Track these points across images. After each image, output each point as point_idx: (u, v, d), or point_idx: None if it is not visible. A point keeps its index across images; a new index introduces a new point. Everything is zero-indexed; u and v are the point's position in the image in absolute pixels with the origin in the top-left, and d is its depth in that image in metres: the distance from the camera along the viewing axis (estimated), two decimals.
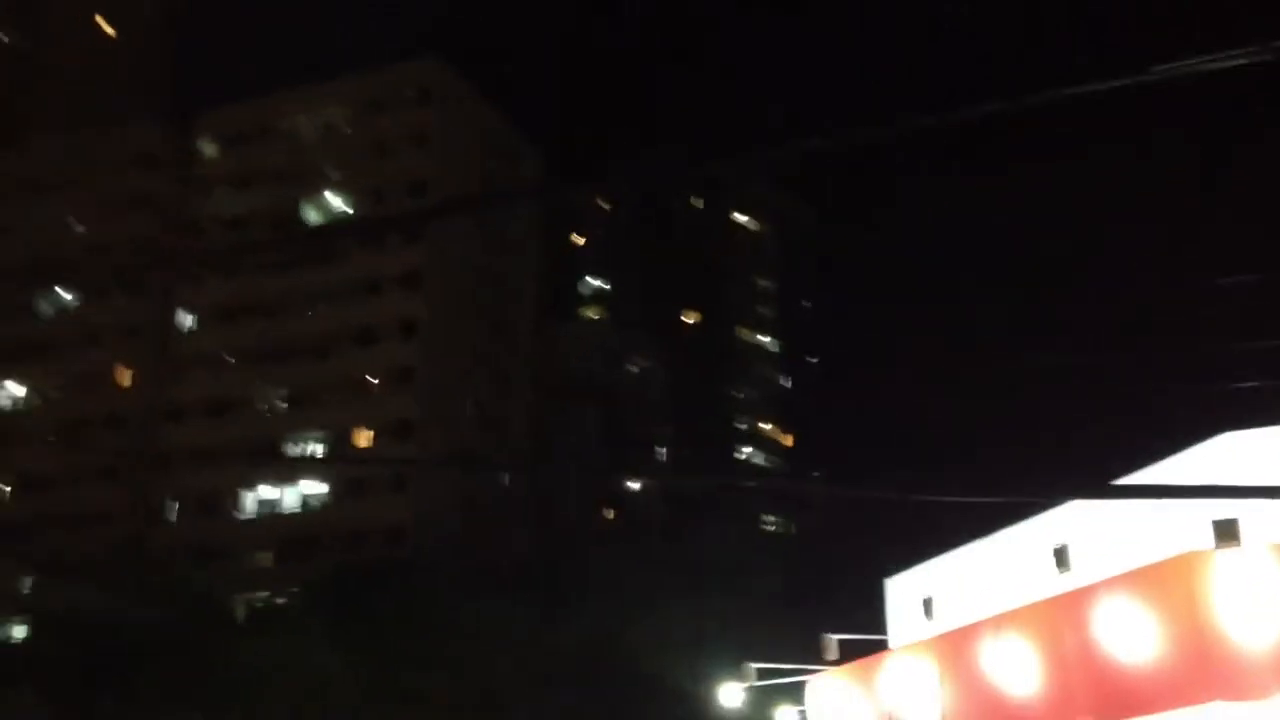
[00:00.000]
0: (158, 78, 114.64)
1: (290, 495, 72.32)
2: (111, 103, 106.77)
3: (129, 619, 43.52)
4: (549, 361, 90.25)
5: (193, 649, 40.18)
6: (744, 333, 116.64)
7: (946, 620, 14.86)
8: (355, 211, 78.55)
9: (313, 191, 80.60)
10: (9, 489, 77.33)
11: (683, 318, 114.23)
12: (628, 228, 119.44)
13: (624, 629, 43.62)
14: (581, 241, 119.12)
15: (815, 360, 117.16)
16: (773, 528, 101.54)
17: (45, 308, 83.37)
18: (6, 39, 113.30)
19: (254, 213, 78.91)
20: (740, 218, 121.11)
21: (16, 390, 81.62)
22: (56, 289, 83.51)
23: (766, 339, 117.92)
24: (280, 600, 52.26)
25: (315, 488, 72.18)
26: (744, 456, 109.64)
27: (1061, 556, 12.47)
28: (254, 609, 49.36)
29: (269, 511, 72.15)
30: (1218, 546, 10.29)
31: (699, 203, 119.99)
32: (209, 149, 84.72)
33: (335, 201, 79.76)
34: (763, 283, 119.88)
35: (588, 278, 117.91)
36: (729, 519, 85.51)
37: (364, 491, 69.60)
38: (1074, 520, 12.70)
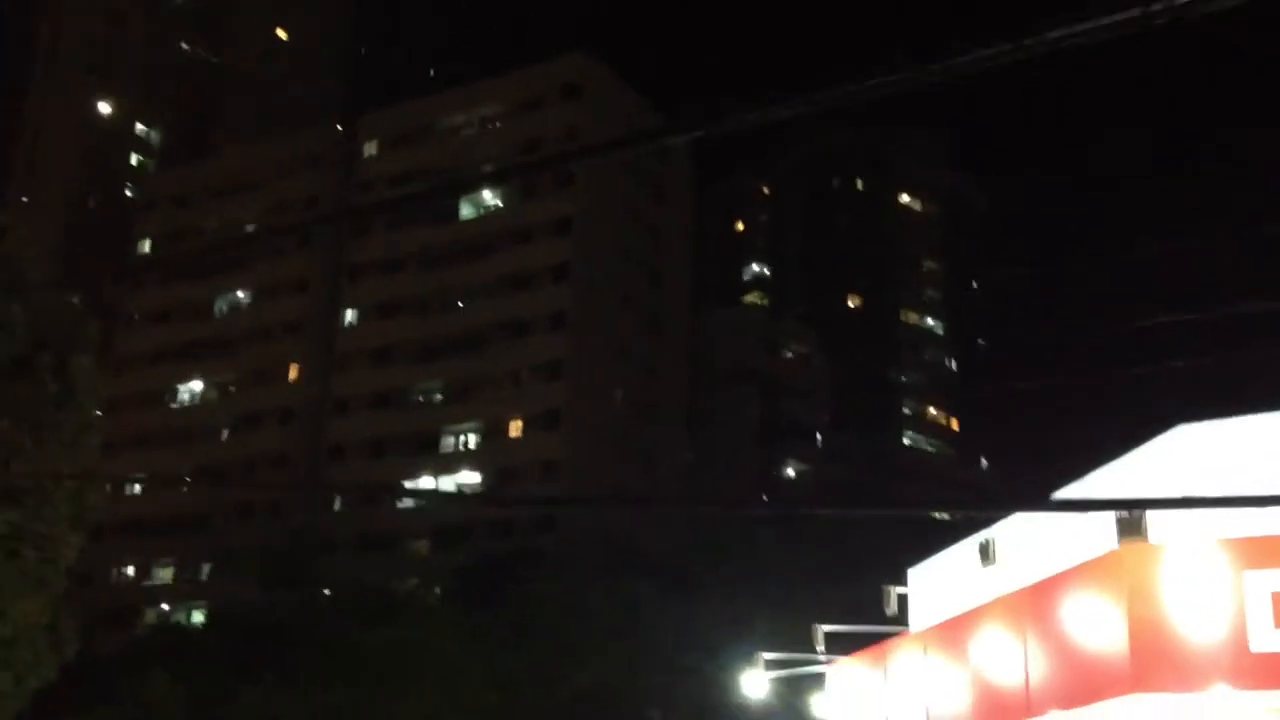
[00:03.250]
0: (329, 83, 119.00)
1: (447, 485, 74.45)
2: (288, 108, 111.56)
3: (280, 606, 45.58)
4: (706, 349, 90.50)
5: (335, 635, 41.78)
6: (909, 316, 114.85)
7: (932, 610, 14.93)
8: (507, 207, 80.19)
9: (468, 188, 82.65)
10: (188, 479, 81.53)
11: (846, 302, 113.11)
12: (789, 212, 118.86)
13: (753, 619, 43.64)
14: (741, 227, 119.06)
15: (981, 343, 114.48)
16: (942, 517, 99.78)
17: (221, 306, 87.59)
18: (189, 49, 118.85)
19: (412, 210, 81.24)
20: (905, 199, 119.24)
21: (195, 386, 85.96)
22: (232, 288, 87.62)
23: (933, 322, 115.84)
24: (423, 588, 53.88)
25: (470, 478, 74.13)
26: (909, 442, 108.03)
27: (986, 550, 12.36)
28: (400, 597, 50.96)
29: (426, 502, 74.49)
30: (1121, 541, 10.16)
31: (862, 185, 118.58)
32: (371, 149, 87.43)
33: (489, 198, 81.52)
34: (929, 264, 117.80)
35: (748, 264, 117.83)
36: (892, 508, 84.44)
37: (515, 480, 71.16)
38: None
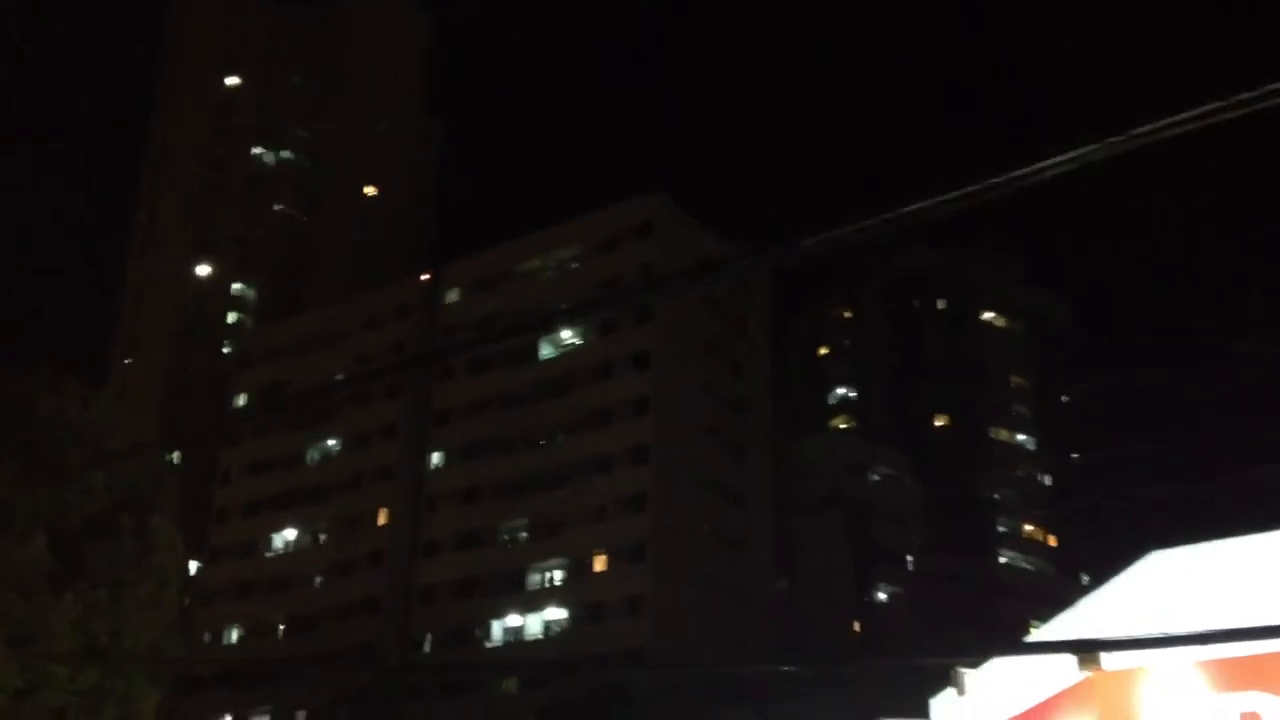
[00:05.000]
0: (414, 234, 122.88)
1: (534, 623, 74.78)
2: (375, 259, 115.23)
3: None
4: (793, 477, 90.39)
5: None
6: (999, 433, 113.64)
7: None
8: (586, 345, 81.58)
9: (550, 329, 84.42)
10: (282, 628, 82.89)
11: (934, 422, 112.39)
12: (872, 335, 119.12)
13: None
14: (825, 353, 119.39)
15: (1076, 456, 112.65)
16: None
17: (314, 456, 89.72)
18: (286, 211, 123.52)
19: (497, 353, 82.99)
20: (987, 316, 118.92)
21: (290, 534, 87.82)
22: (324, 438, 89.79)
23: (1023, 437, 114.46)
24: None
25: (557, 614, 74.43)
26: (1005, 560, 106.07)
27: (957, 683, 12.59)
28: None
29: (514, 639, 74.76)
30: (1081, 669, 10.46)
31: (943, 304, 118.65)
32: (453, 296, 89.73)
33: (568, 337, 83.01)
34: (1016, 380, 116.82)
35: (833, 389, 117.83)
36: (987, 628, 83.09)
37: (603, 616, 71.27)
38: None
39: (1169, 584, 12.50)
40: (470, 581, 77.19)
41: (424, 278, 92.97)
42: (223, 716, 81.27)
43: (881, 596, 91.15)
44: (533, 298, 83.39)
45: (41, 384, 33.98)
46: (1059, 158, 5.65)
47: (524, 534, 77.87)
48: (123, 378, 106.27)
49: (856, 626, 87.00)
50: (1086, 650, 10.86)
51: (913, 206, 5.91)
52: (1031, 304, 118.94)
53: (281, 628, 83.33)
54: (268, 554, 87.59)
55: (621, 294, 77.07)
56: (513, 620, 75.42)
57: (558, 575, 75.54)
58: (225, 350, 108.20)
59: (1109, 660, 11.59)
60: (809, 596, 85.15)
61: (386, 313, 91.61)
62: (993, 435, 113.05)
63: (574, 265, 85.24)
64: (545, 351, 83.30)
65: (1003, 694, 13.00)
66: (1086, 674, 11.53)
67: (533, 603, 75.05)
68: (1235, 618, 11.94)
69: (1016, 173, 5.73)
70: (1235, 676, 11.51)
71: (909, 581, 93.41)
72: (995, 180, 5.76)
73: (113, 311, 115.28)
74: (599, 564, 74.07)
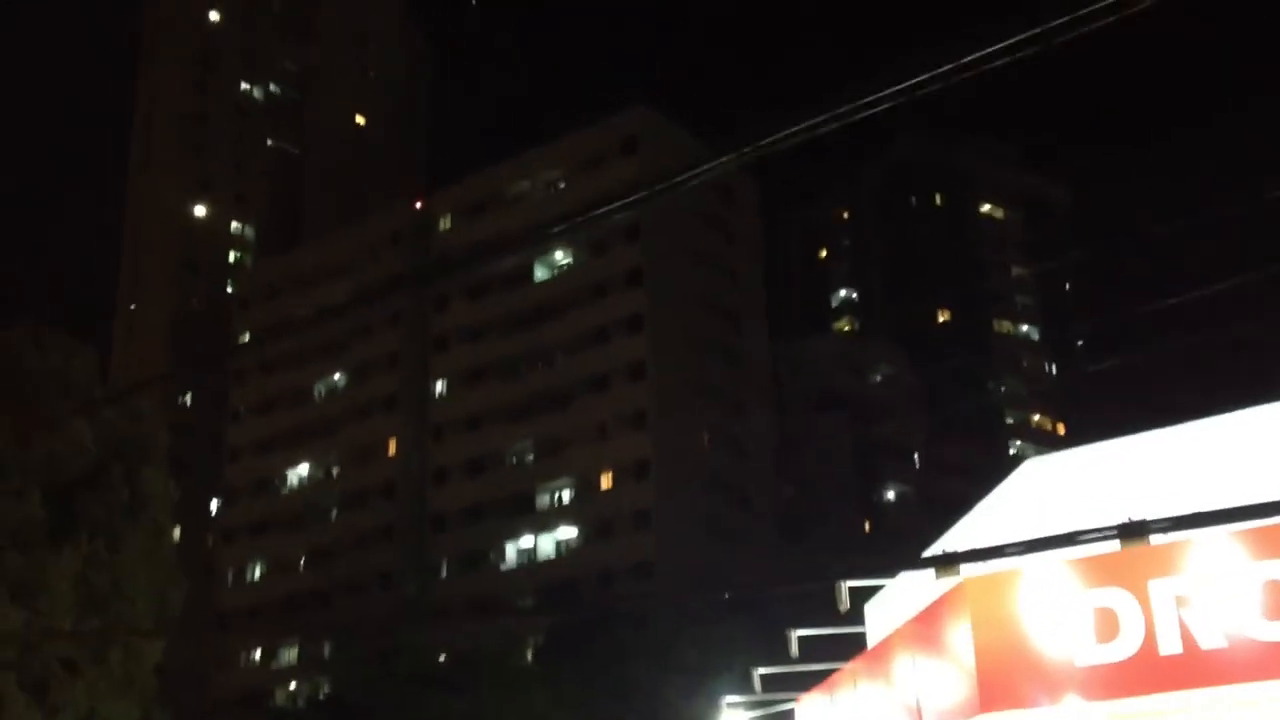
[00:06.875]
0: (404, 163, 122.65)
1: (546, 542, 76.15)
2: (368, 190, 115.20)
3: (375, 680, 47.44)
4: (795, 381, 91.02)
5: (423, 703, 43.41)
6: (1003, 324, 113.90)
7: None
8: (578, 264, 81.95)
9: (541, 250, 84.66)
10: (302, 561, 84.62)
11: (937, 317, 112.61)
12: (870, 233, 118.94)
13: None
14: (824, 255, 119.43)
15: (1080, 343, 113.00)
16: None
17: (320, 390, 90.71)
18: (278, 144, 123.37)
19: (492, 278, 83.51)
20: (985, 206, 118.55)
21: (302, 469, 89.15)
22: (329, 372, 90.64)
23: (1027, 327, 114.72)
24: (513, 649, 55.29)
25: (567, 532, 75.76)
26: (1015, 451, 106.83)
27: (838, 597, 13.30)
28: (490, 658, 52.56)
29: (527, 560, 76.21)
30: (938, 577, 11.00)
31: (940, 197, 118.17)
32: (445, 223, 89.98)
33: (562, 257, 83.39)
34: (1017, 270, 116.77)
35: (835, 290, 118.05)
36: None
37: (611, 532, 72.51)
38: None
39: (1041, 492, 13.14)
40: (481, 506, 78.50)
41: (415, 205, 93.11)
42: (254, 650, 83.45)
43: (889, 493, 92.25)
44: (523, 220, 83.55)
45: (25, 339, 34.63)
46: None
47: (530, 456, 78.95)
48: (128, 321, 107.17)
49: (866, 525, 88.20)
50: (947, 564, 11.49)
51: (889, 90, 5.80)
52: (1029, 190, 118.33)
53: (302, 561, 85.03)
54: (283, 490, 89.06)
55: (605, 206, 77.08)
56: (525, 542, 76.83)
57: (565, 495, 76.77)
58: (228, 289, 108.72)
59: (978, 568, 12.26)
60: (816, 498, 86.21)
61: (381, 242, 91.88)
62: (996, 326, 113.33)
63: (562, 185, 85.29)
64: (539, 274, 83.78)
65: (895, 607, 13.76)
66: (954, 581, 12.22)
67: (542, 523, 76.39)
68: (1099, 518, 12.60)
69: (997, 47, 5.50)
70: (1097, 574, 12.19)
71: (916, 477, 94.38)
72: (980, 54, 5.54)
73: (114, 255, 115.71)
74: (605, 481, 75.16)
